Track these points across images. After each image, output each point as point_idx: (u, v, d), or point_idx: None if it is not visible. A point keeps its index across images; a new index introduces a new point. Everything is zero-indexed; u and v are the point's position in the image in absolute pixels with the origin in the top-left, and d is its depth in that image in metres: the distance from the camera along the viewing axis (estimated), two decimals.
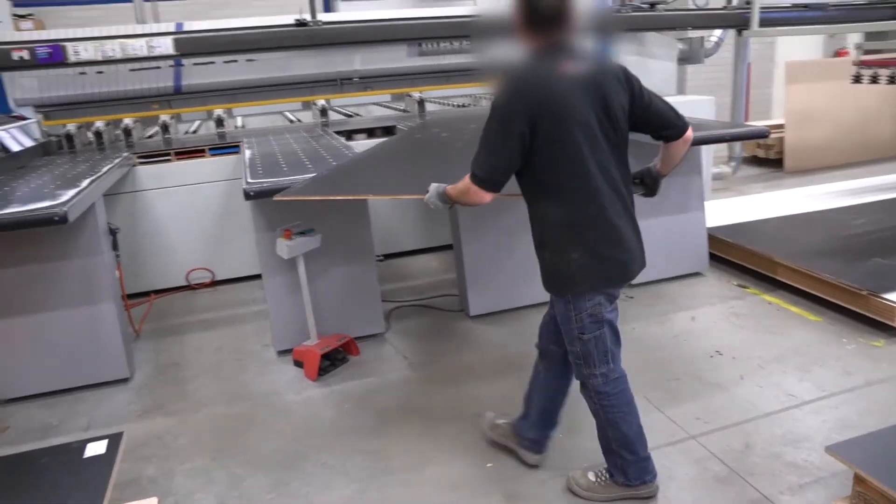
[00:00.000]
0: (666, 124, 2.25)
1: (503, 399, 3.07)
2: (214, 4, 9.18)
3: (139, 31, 4.47)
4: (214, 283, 4.86)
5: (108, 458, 2.23)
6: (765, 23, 5.79)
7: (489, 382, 3.35)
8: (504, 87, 2.08)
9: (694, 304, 4.17)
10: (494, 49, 2.26)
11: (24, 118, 4.37)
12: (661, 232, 4.41)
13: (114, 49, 4.29)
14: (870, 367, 3.30)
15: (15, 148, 4.01)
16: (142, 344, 4.02)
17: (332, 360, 3.61)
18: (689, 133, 2.26)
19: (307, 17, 4.71)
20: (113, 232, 3.61)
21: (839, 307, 3.84)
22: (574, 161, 2.06)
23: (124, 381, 3.53)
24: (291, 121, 6.07)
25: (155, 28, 4.60)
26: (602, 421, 2.36)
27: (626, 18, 5.45)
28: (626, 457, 2.34)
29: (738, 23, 5.87)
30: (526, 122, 2.01)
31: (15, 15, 8.70)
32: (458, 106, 6.26)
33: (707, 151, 5.94)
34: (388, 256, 5.31)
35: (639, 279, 4.25)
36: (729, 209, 5.47)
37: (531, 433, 2.61)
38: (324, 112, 5.38)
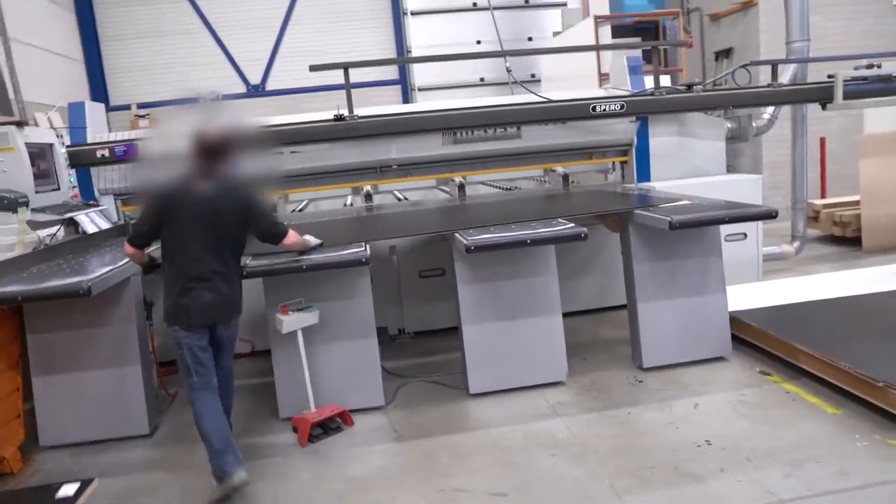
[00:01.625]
0: (266, 237, 3.49)
1: (475, 472, 3.19)
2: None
3: None
4: (254, 354, 5.28)
5: (73, 499, 2.56)
6: (849, 95, 5.63)
7: (468, 458, 3.41)
8: (150, 193, 3.33)
9: (704, 391, 3.98)
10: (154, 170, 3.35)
11: (97, 205, 5.07)
12: (675, 315, 4.31)
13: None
14: (874, 468, 2.99)
15: (91, 229, 4.74)
16: (175, 406, 4.45)
17: (325, 429, 3.82)
18: (287, 240, 3.51)
19: (345, 112, 5.27)
20: (148, 304, 4.14)
21: (862, 399, 3.52)
22: (179, 244, 3.19)
23: (145, 436, 3.94)
24: (345, 204, 6.58)
25: None
26: (195, 417, 3.22)
27: (692, 99, 5.55)
28: (208, 448, 3.15)
29: (820, 97, 5.75)
30: (158, 215, 3.21)
31: (136, 115, 10.29)
32: (506, 189, 6.49)
33: (756, 231, 5.73)
34: (419, 334, 5.51)
35: (653, 363, 4.23)
36: (772, 291, 5.19)
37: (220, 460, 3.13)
38: (368, 197, 5.82)
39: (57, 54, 9.38)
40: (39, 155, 4.40)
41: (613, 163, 6.29)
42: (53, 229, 4.29)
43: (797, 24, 6.38)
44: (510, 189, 6.47)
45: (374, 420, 3.98)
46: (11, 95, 7.64)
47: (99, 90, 10.19)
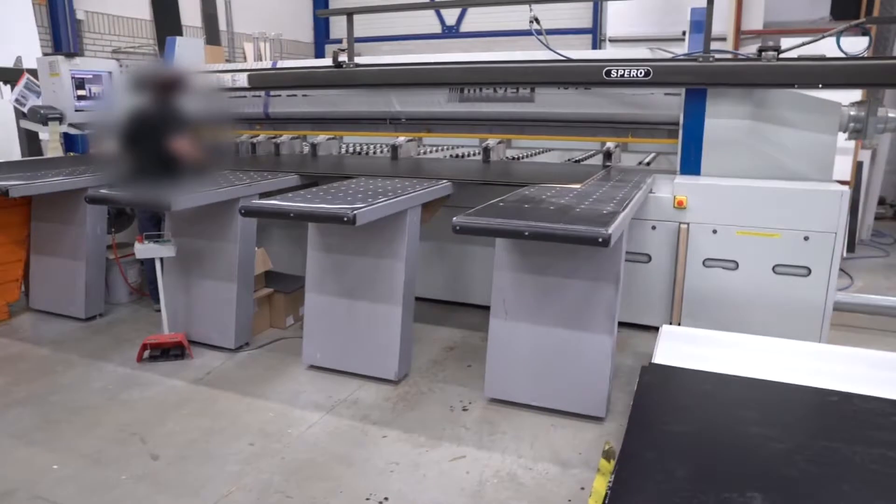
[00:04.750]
0: None
1: (181, 431, 3.19)
2: None
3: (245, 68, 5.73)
4: None
5: None
6: None
7: (221, 416, 3.42)
8: None
9: (508, 448, 3.11)
10: None
11: None
12: (536, 345, 3.41)
13: (212, 80, 5.65)
14: None
15: None
16: None
17: (165, 353, 4.15)
18: None
19: (345, 59, 5.19)
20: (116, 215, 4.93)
21: None
22: None
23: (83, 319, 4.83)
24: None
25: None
26: None
27: (746, 69, 4.07)
28: None
29: None
30: None
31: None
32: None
33: (827, 265, 3.94)
34: None
35: (497, 395, 3.60)
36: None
37: None
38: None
39: None
40: (92, 81, 5.46)
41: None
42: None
43: None
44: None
45: (211, 360, 4.14)
46: (223, 27, 9.28)
47: (320, 28, 11.57)
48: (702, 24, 4.31)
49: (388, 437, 3.21)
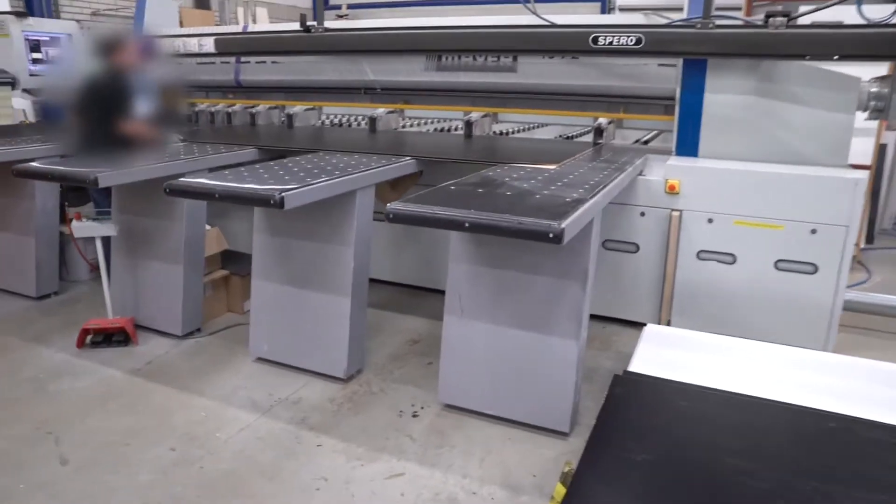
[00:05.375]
0: None
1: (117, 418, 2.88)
2: None
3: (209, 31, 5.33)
4: None
5: None
6: None
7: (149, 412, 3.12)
8: None
9: (451, 465, 2.77)
10: None
11: None
12: (493, 348, 3.03)
13: (175, 45, 5.27)
14: None
15: None
16: None
17: (108, 339, 3.86)
18: None
19: (314, 23, 4.77)
20: None
21: None
22: None
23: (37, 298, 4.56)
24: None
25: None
26: None
27: (749, 36, 3.56)
28: None
29: None
30: None
31: (339, 16, 10.89)
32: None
33: (838, 260, 3.50)
34: None
35: (451, 401, 3.25)
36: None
37: None
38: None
39: None
40: (49, 43, 5.11)
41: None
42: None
43: None
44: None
45: (155, 348, 3.85)
46: None
47: None
48: None
49: (324, 445, 2.88)
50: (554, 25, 4.14)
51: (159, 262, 3.91)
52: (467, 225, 2.27)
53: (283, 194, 2.66)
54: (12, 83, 4.86)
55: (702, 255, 3.81)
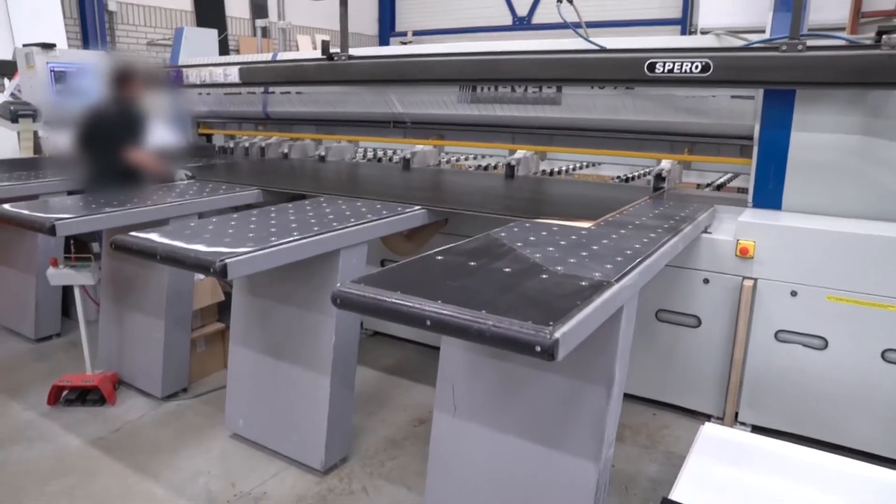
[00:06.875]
0: None
1: None
2: None
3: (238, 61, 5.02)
4: None
5: None
6: None
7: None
8: None
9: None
10: None
11: None
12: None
13: (202, 75, 4.98)
14: None
15: None
16: None
17: (82, 398, 3.47)
18: None
19: (337, 49, 4.34)
20: None
21: None
22: None
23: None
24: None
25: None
26: None
27: (846, 60, 2.79)
28: None
29: None
30: None
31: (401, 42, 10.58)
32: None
33: None
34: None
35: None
36: None
37: None
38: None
39: None
40: (77, 75, 4.92)
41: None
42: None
43: None
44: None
45: (130, 411, 3.41)
46: (274, 19, 8.73)
47: (385, 20, 10.82)
48: (789, 1, 3.05)
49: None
50: (603, 50, 3.49)
51: (142, 314, 3.51)
52: (429, 323, 1.65)
53: (227, 261, 2.13)
54: (33, 115, 4.71)
55: (781, 335, 3.01)
